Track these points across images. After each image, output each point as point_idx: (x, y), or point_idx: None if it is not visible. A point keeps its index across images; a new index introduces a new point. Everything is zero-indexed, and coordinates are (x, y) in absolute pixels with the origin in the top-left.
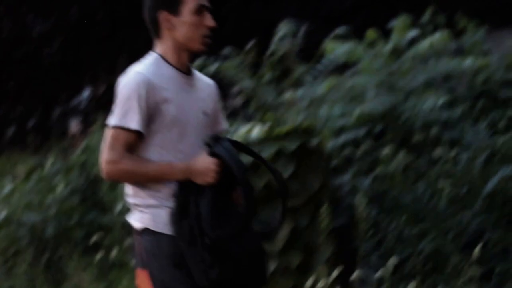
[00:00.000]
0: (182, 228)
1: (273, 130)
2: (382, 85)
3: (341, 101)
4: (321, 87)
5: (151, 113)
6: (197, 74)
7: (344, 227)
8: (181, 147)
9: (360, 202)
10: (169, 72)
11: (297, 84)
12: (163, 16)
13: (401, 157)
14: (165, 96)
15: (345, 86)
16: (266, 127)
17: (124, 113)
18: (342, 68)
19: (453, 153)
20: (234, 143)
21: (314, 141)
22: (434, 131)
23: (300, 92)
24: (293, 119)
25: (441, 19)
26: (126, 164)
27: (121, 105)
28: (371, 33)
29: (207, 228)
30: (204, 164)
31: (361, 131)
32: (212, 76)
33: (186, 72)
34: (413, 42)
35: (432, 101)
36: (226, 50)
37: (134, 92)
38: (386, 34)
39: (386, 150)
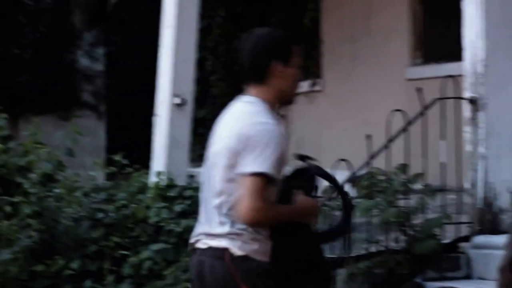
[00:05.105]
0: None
1: None
2: None
3: None
4: None
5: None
6: None
7: None
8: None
9: None
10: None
11: None
12: (276, 65)
13: None
14: (285, 150)
15: None
16: None
17: (269, 161)
18: None
19: None
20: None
21: None
22: None
23: None
24: None
25: None
26: (272, 210)
27: (264, 153)
28: None
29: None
30: (313, 206)
31: None
32: None
33: None
34: None
35: None
36: None
37: (277, 143)
38: None
39: None
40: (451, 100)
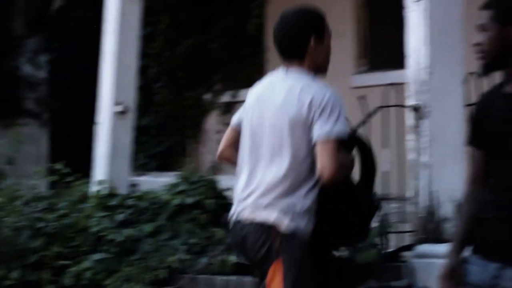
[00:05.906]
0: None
1: None
2: None
3: None
4: None
5: None
6: None
7: None
8: None
9: None
10: None
11: None
12: (313, 41)
13: None
14: None
15: None
16: None
17: (342, 122)
18: None
19: None
20: None
21: None
22: None
23: None
24: None
25: None
26: (343, 164)
27: (335, 115)
28: None
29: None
30: (352, 159)
31: None
32: None
33: None
34: None
35: None
36: None
37: (342, 104)
38: None
39: None
40: (394, 108)
